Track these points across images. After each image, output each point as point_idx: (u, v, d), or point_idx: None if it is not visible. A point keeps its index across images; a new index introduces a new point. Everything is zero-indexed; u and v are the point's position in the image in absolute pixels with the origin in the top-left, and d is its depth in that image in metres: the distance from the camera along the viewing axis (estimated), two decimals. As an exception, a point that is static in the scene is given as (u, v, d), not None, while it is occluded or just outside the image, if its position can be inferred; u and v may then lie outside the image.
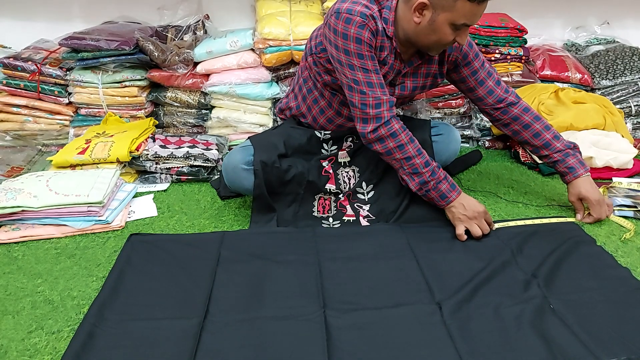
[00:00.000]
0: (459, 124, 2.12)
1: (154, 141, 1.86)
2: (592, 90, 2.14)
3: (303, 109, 1.58)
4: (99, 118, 2.04)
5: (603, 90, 2.12)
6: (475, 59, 1.44)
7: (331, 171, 1.55)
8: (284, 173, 1.47)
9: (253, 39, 2.02)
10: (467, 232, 1.38)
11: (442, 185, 1.38)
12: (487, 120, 1.56)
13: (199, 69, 2.03)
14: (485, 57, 2.07)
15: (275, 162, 1.45)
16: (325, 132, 1.57)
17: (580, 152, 1.50)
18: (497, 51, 2.08)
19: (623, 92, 2.10)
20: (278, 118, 1.72)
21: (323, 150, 1.58)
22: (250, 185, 1.46)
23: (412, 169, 1.38)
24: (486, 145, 2.11)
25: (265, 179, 1.44)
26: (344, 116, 1.52)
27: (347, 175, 1.56)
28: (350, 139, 1.58)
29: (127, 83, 1.99)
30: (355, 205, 1.54)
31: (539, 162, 1.83)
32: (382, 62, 1.37)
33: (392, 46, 1.36)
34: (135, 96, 2.00)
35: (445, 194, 1.38)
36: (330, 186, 1.53)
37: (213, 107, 2.08)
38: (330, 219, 1.51)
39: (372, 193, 1.55)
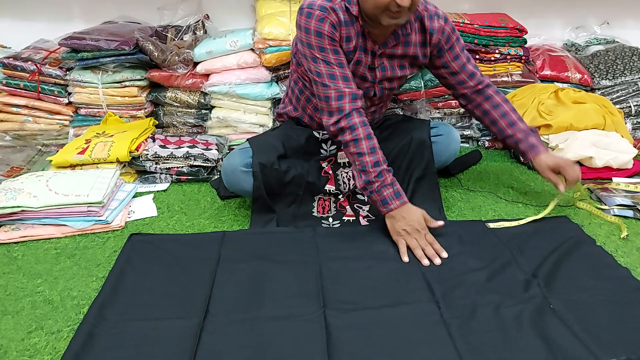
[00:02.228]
0: (459, 123, 2.12)
1: (154, 141, 1.86)
2: (592, 90, 2.14)
3: (299, 110, 1.59)
4: (98, 118, 2.04)
5: (603, 90, 2.12)
6: (457, 44, 1.46)
7: (331, 172, 1.55)
8: (283, 174, 1.47)
9: (253, 39, 2.02)
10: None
11: (385, 190, 1.32)
12: (461, 104, 1.59)
13: (199, 69, 2.03)
14: (485, 57, 2.09)
15: (274, 164, 1.45)
16: (324, 132, 1.57)
17: (540, 138, 1.52)
18: (497, 51, 2.08)
19: (623, 92, 2.10)
20: (277, 122, 1.73)
21: (322, 151, 1.58)
22: (250, 187, 1.46)
23: (361, 166, 1.34)
24: (486, 145, 2.11)
25: (264, 181, 1.44)
26: None
27: (346, 176, 1.56)
28: None
29: (127, 83, 1.98)
30: (355, 205, 1.54)
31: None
32: (352, 50, 1.38)
33: (359, 28, 1.36)
34: (135, 96, 2.00)
35: (386, 200, 1.32)
36: (329, 187, 1.53)
37: (213, 107, 2.08)
38: (330, 219, 1.51)
39: (372, 193, 1.56)
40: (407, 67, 1.49)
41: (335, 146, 1.58)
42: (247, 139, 1.55)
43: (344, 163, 1.58)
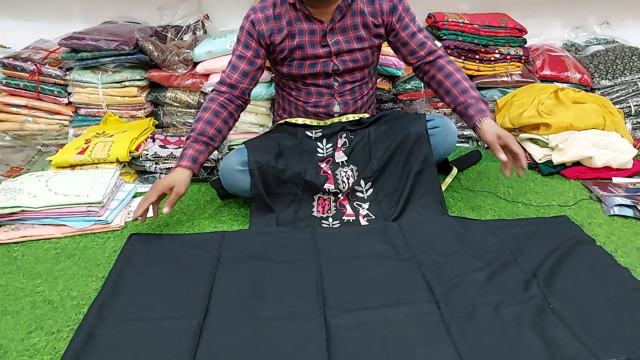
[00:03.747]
0: (459, 123, 2.12)
1: (154, 141, 1.86)
2: (592, 90, 2.14)
3: (288, 109, 1.64)
4: (98, 118, 2.04)
5: (603, 90, 2.12)
6: (405, 13, 1.52)
7: (330, 172, 1.55)
8: (280, 172, 1.47)
9: (253, 39, 2.01)
10: None
11: (187, 150, 1.44)
12: (417, 77, 1.63)
13: (199, 69, 2.02)
14: (485, 57, 2.09)
15: (270, 162, 1.46)
16: (317, 131, 1.58)
17: (489, 107, 1.55)
18: (496, 51, 2.08)
19: (622, 92, 2.10)
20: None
21: (318, 150, 1.58)
22: (247, 186, 1.46)
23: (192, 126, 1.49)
24: (486, 146, 2.11)
25: (261, 179, 1.45)
26: (311, 103, 1.59)
27: (345, 175, 1.56)
28: (345, 135, 1.58)
29: (126, 83, 1.98)
30: (354, 204, 1.54)
31: (538, 161, 1.83)
32: (286, 37, 1.48)
33: (294, 15, 1.47)
34: (135, 96, 2.00)
35: (180, 157, 1.45)
36: (329, 186, 1.53)
37: (213, 107, 2.07)
38: (330, 219, 1.51)
39: (370, 191, 1.55)
40: (366, 39, 1.52)
41: (331, 144, 1.59)
42: (243, 142, 1.56)
43: (342, 162, 1.58)
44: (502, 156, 1.41)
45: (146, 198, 1.39)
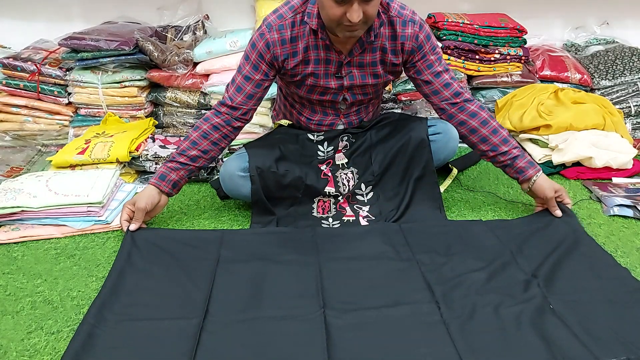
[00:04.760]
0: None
1: (154, 141, 1.86)
2: (592, 90, 2.14)
3: (287, 116, 1.64)
4: (98, 118, 2.04)
5: (602, 91, 2.12)
6: (431, 52, 1.42)
7: (330, 174, 1.55)
8: (281, 177, 1.47)
9: (253, 39, 2.01)
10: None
11: (160, 168, 1.43)
12: (441, 118, 1.53)
13: (199, 69, 2.03)
14: (485, 57, 2.09)
15: (271, 167, 1.46)
16: (318, 134, 1.58)
17: None
18: (496, 51, 2.08)
19: (622, 92, 2.10)
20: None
21: (319, 152, 1.58)
22: (248, 192, 1.46)
23: (179, 144, 1.46)
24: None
25: (262, 185, 1.45)
26: (315, 121, 1.57)
27: (346, 177, 1.56)
28: (346, 138, 1.58)
29: (126, 83, 1.98)
30: (354, 206, 1.54)
31: (538, 161, 1.83)
32: (300, 62, 1.40)
33: (314, 42, 1.38)
34: (135, 96, 2.00)
35: (159, 174, 1.42)
36: (329, 189, 1.53)
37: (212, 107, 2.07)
38: (330, 219, 1.51)
39: (371, 194, 1.55)
40: (382, 75, 1.47)
41: (332, 147, 1.58)
42: (243, 145, 1.55)
43: (342, 164, 1.58)
44: (559, 213, 1.44)
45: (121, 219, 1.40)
